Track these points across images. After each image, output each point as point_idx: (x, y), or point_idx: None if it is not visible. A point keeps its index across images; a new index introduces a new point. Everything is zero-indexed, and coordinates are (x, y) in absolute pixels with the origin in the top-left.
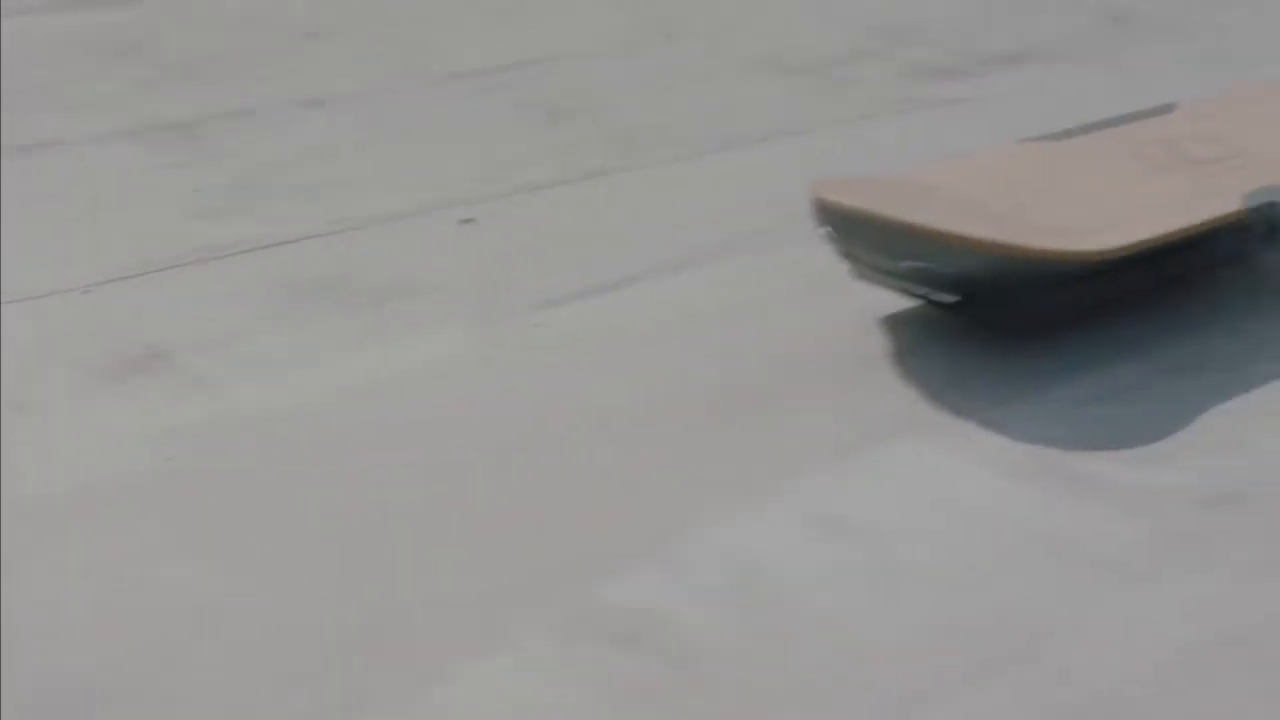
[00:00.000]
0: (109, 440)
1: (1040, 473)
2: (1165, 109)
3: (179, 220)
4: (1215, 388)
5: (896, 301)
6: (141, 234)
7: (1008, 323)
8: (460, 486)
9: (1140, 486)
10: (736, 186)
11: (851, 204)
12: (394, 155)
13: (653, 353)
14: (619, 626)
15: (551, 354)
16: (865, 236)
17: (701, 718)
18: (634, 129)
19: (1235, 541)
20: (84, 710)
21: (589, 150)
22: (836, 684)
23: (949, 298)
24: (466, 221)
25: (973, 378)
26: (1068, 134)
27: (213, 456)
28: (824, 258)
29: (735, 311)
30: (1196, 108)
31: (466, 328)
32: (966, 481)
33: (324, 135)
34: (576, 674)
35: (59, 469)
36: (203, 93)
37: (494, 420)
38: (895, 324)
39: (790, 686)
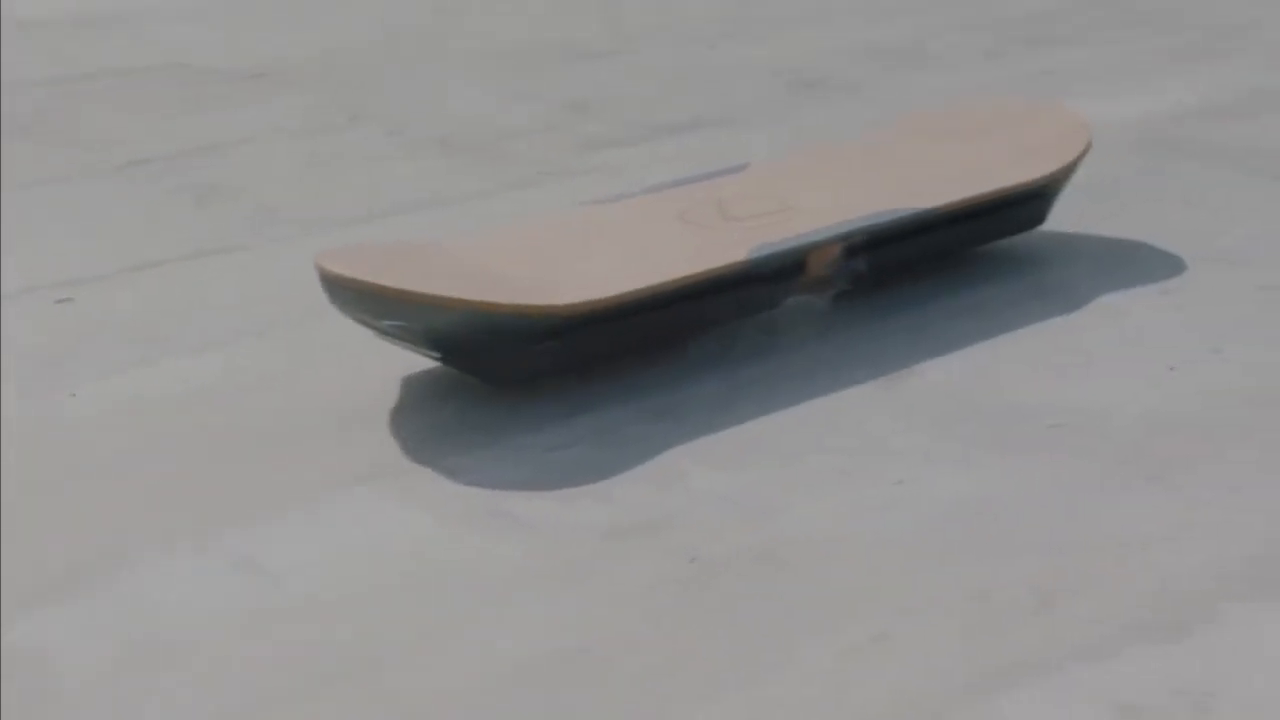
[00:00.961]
0: None
1: (469, 513)
2: (738, 168)
3: None
4: (689, 430)
5: (425, 362)
6: None
7: (500, 376)
8: None
9: (561, 522)
10: None
11: (338, 270)
12: (29, 240)
13: (170, 418)
14: None
15: (73, 421)
16: (356, 301)
17: None
18: (277, 207)
19: (619, 568)
20: None
21: (221, 229)
22: (170, 709)
23: (433, 354)
24: (63, 301)
25: (457, 428)
26: (628, 195)
27: None
28: None
29: (277, 375)
30: (767, 165)
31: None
32: (392, 522)
33: None
34: None
35: None
36: None
37: None
38: (413, 381)
39: (124, 711)
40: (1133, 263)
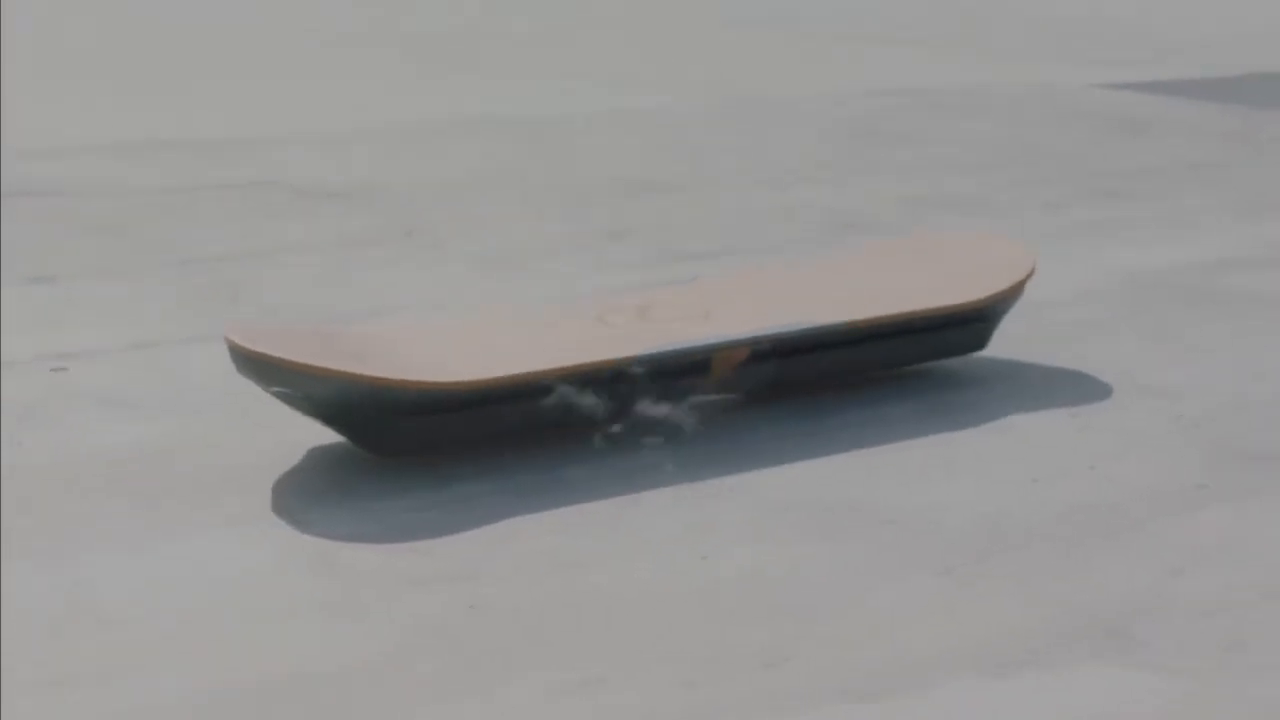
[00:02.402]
0: None
1: (300, 555)
2: (688, 281)
3: None
4: (540, 505)
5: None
6: None
7: (381, 446)
8: None
9: (377, 569)
10: None
11: (235, 339)
12: (60, 318)
13: (92, 467)
14: None
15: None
16: (249, 367)
17: None
18: (288, 306)
19: (403, 609)
20: None
21: (223, 321)
22: None
23: (320, 421)
24: (57, 369)
25: (330, 489)
26: (570, 302)
27: None
28: None
29: (203, 439)
30: (713, 280)
31: None
32: (228, 558)
33: (36, 304)
34: None
35: None
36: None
37: None
38: (318, 449)
39: None
40: (1058, 390)
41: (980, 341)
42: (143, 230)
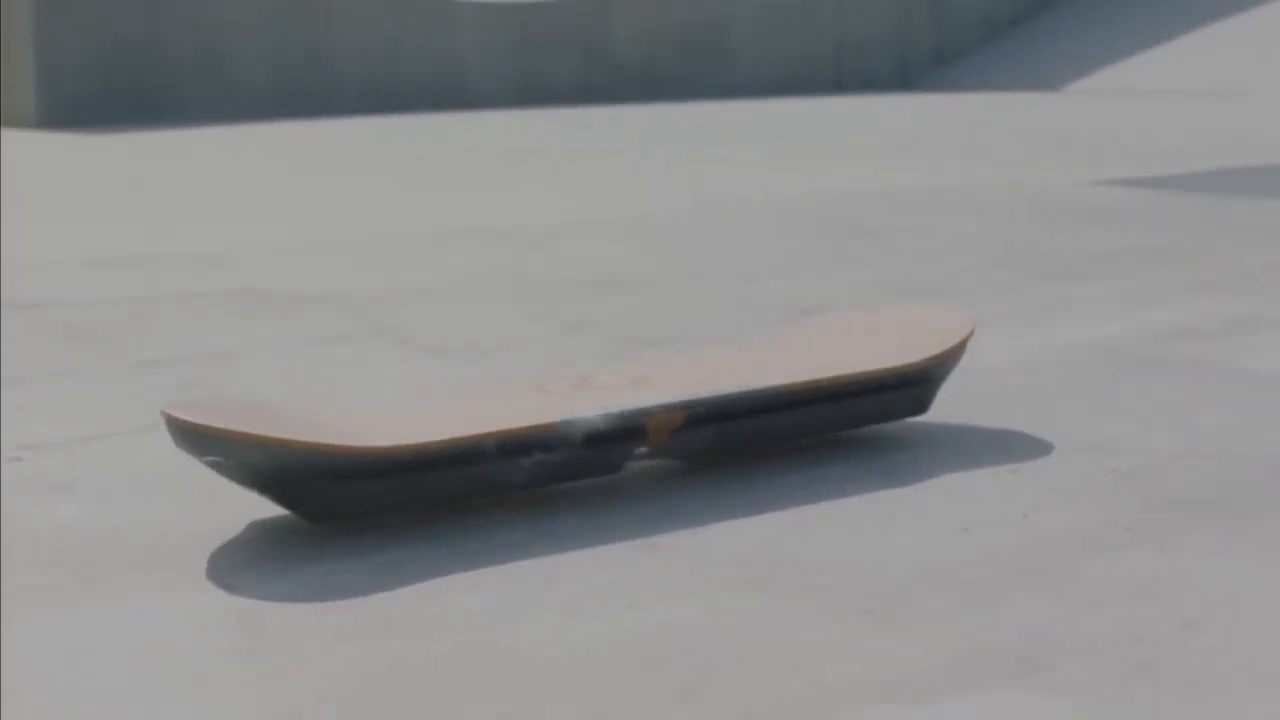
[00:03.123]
0: None
1: (223, 616)
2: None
3: None
4: (472, 564)
5: (280, 509)
6: None
7: (316, 513)
8: None
9: (299, 627)
10: None
11: (170, 412)
12: (24, 414)
13: (36, 543)
14: None
15: None
16: (182, 437)
17: None
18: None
19: (322, 663)
20: None
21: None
22: None
23: (254, 490)
24: (14, 460)
25: (265, 556)
26: (510, 378)
27: None
28: None
29: (148, 516)
30: (659, 353)
31: None
32: (152, 620)
33: (3, 403)
34: None
35: None
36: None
37: None
38: (259, 521)
39: None
40: (1000, 450)
41: (920, 406)
42: (111, 335)
